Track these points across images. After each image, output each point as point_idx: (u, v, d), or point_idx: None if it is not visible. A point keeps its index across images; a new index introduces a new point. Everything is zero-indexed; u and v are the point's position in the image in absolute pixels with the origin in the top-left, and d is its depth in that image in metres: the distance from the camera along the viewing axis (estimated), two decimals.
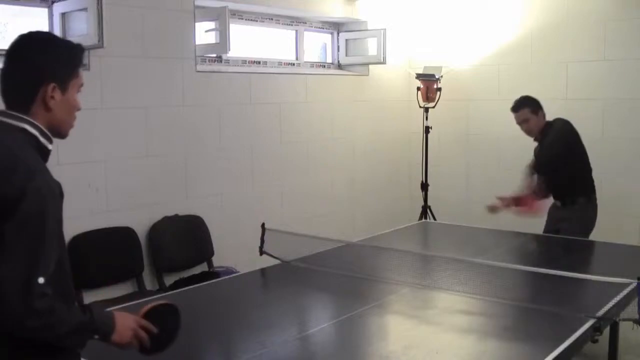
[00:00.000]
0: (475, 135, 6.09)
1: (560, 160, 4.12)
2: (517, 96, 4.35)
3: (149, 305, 1.82)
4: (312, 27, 5.79)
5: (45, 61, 1.68)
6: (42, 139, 1.67)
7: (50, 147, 1.70)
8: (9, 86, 1.68)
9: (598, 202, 4.24)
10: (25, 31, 1.73)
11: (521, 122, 4.29)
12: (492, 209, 4.35)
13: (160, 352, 1.78)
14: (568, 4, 5.47)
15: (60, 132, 1.74)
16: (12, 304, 1.48)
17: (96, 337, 1.63)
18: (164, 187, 4.38)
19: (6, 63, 1.68)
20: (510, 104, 4.32)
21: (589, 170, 4.23)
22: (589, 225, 4.18)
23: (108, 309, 1.80)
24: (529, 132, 4.31)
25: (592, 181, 4.25)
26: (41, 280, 1.50)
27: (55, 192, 1.60)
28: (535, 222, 4.35)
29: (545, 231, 4.31)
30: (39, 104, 1.66)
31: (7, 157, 1.58)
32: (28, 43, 1.71)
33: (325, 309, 2.94)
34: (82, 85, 1.77)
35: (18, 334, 1.52)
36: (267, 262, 3.45)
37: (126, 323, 1.70)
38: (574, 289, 2.94)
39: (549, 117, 4.30)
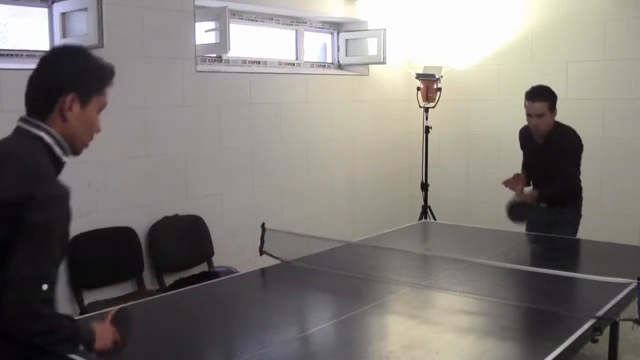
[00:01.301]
0: (475, 135, 6.09)
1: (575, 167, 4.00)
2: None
3: (113, 311, 1.86)
4: (312, 27, 5.79)
5: (70, 70, 1.65)
6: (56, 149, 1.65)
7: (64, 159, 1.68)
8: (32, 91, 1.66)
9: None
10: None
11: (534, 115, 3.84)
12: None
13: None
14: (568, 4, 5.47)
15: (73, 147, 1.71)
16: (16, 307, 1.50)
17: (81, 347, 1.65)
18: (164, 187, 4.38)
19: (35, 69, 1.67)
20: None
21: (579, 172, 4.15)
22: (577, 226, 4.13)
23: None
24: (536, 129, 3.90)
25: (580, 181, 4.16)
26: (45, 286, 1.52)
27: (64, 201, 1.58)
28: None
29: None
30: (56, 113, 1.64)
31: (23, 162, 1.58)
32: (59, 52, 1.72)
33: (325, 309, 2.93)
34: (104, 105, 1.74)
35: (15, 335, 1.53)
36: (267, 262, 3.45)
37: (105, 331, 1.73)
38: (574, 289, 2.93)
39: None
